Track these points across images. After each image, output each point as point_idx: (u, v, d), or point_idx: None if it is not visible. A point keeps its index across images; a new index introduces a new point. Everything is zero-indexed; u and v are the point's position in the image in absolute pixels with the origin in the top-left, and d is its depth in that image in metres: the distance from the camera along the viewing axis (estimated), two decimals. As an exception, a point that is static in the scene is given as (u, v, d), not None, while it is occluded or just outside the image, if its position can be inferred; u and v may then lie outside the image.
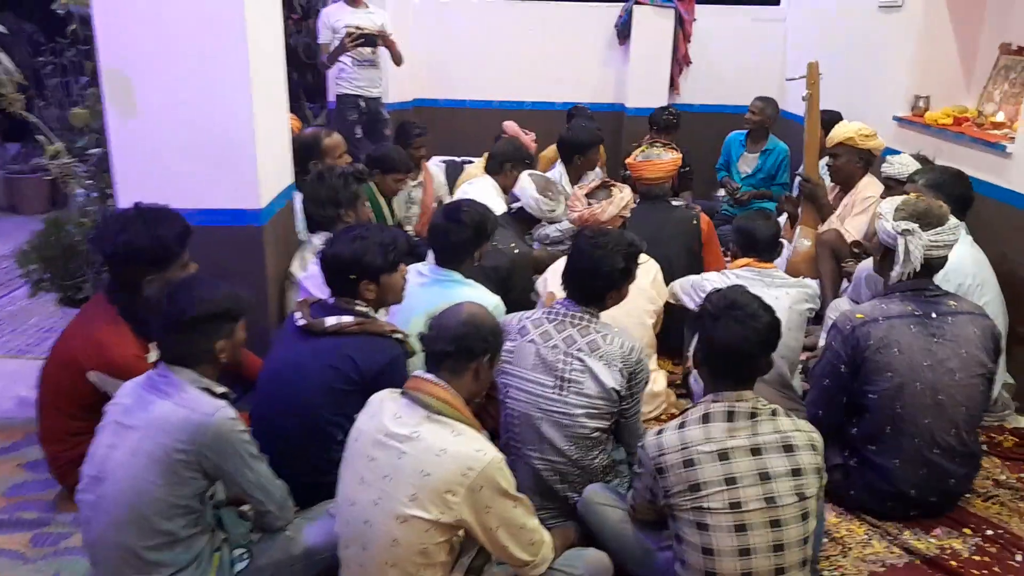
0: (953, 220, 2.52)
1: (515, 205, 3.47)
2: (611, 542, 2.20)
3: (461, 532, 1.86)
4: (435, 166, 5.22)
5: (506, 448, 2.42)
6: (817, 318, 3.51)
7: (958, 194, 2.98)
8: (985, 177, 3.60)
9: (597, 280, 2.40)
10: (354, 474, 1.89)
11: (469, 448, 1.81)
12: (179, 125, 2.74)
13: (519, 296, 3.26)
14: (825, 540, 2.46)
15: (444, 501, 1.77)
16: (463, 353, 1.93)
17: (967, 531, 2.54)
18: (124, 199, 2.78)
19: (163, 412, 1.89)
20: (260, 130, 2.83)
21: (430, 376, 1.92)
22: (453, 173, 5.44)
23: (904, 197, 2.59)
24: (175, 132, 2.74)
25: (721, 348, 1.97)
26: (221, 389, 1.99)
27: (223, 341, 2.01)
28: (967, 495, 2.68)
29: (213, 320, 1.98)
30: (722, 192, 5.51)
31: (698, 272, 3.43)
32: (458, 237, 2.77)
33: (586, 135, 4.39)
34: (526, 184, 3.44)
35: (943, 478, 2.51)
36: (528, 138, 4.89)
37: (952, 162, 3.73)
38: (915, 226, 2.46)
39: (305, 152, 3.61)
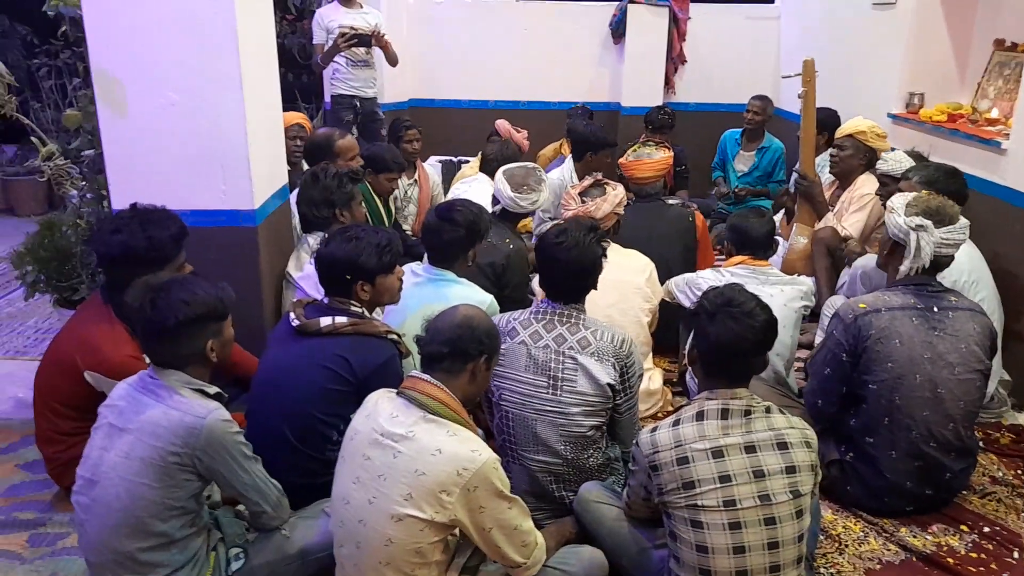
0: (963, 220, 2.52)
1: (496, 208, 3.46)
2: (606, 539, 2.20)
3: (456, 531, 1.86)
4: (431, 166, 5.23)
5: (501, 450, 2.43)
6: (813, 315, 3.51)
7: (952, 191, 2.97)
8: (980, 174, 3.61)
9: (585, 278, 2.40)
10: (349, 473, 1.89)
11: (464, 448, 1.81)
12: (171, 126, 2.73)
13: (515, 292, 3.26)
14: (822, 537, 2.46)
15: (439, 501, 1.77)
16: (458, 355, 1.93)
17: (964, 528, 2.54)
18: (118, 200, 2.78)
19: (156, 415, 1.88)
20: (253, 130, 2.83)
21: (426, 376, 1.92)
22: (449, 173, 5.46)
23: (915, 194, 2.60)
24: (167, 133, 2.74)
25: (717, 346, 1.96)
26: (214, 390, 1.99)
27: (212, 341, 2.00)
28: (964, 492, 2.69)
29: (198, 323, 1.96)
30: (718, 190, 5.51)
31: (694, 270, 3.43)
32: (451, 236, 2.76)
33: (601, 134, 4.39)
34: (501, 185, 3.43)
35: (939, 472, 2.52)
36: (520, 136, 4.87)
37: (947, 159, 3.73)
38: (928, 223, 2.47)
39: (317, 153, 3.61)
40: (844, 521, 2.57)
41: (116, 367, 2.28)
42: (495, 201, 3.51)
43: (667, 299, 3.22)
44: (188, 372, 1.98)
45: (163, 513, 1.88)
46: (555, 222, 3.99)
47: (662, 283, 3.23)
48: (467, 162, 5.33)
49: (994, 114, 3.87)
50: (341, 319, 2.33)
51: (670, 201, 3.96)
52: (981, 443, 2.97)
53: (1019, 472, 2.86)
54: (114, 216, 2.44)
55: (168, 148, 2.77)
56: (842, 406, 2.62)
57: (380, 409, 1.90)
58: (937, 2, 4.23)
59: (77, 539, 2.09)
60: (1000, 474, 2.84)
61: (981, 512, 2.63)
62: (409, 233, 4.51)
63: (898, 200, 2.58)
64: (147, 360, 2.29)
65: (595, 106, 6.24)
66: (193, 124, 2.76)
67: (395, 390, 1.95)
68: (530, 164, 3.64)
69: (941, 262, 2.53)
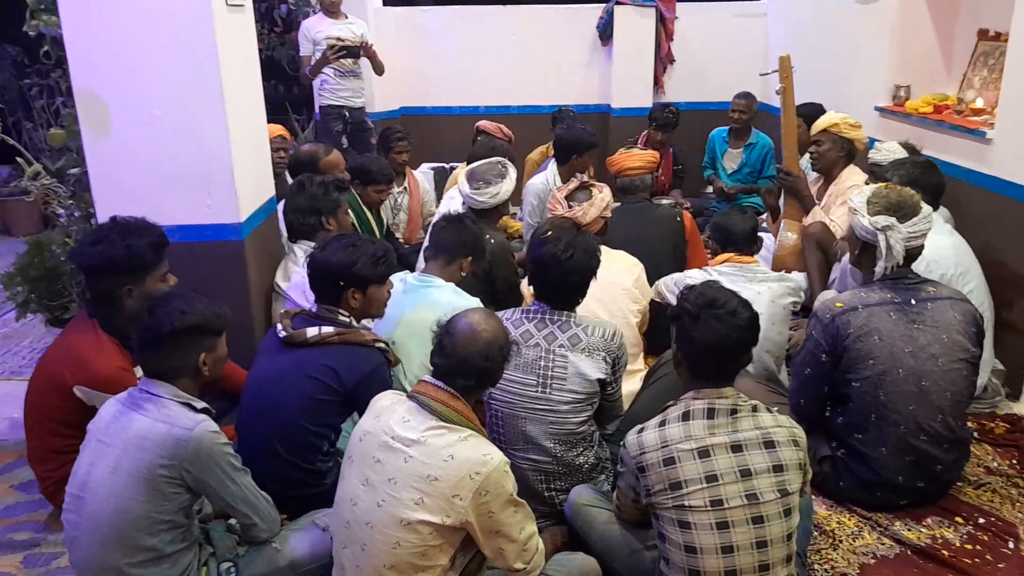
0: (926, 208, 2.53)
1: (464, 206, 3.46)
2: (598, 543, 2.20)
3: (461, 534, 1.86)
4: (422, 173, 5.24)
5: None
6: (805, 311, 3.50)
7: (932, 185, 2.99)
8: (967, 164, 3.61)
9: (587, 285, 2.46)
10: (358, 474, 1.88)
11: (476, 453, 1.82)
12: (154, 142, 2.75)
13: (503, 285, 3.26)
14: (816, 533, 2.46)
15: (451, 504, 1.78)
16: (484, 382, 1.97)
17: (959, 520, 2.53)
18: (104, 218, 2.78)
19: (143, 428, 1.89)
20: (237, 144, 2.84)
21: (440, 383, 1.91)
22: (441, 179, 5.47)
23: (873, 188, 2.59)
24: (150, 150, 2.76)
25: (704, 348, 1.96)
26: (201, 404, 1.99)
27: (205, 355, 2.02)
28: (958, 483, 2.68)
29: (194, 333, 1.98)
30: (711, 189, 5.52)
31: (684, 270, 3.43)
32: (459, 235, 2.84)
33: (585, 136, 4.32)
34: (460, 183, 3.45)
35: (930, 465, 2.51)
36: (507, 130, 4.85)
37: (933, 150, 3.74)
38: (893, 220, 2.46)
39: (302, 169, 3.63)
40: (838, 516, 2.56)
41: (106, 380, 2.28)
42: (463, 202, 3.51)
43: (657, 300, 3.22)
44: (178, 385, 1.99)
45: (152, 527, 1.88)
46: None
47: (651, 284, 3.23)
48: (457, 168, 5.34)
49: (979, 104, 3.87)
50: (328, 329, 2.33)
51: (659, 201, 3.95)
52: (976, 434, 2.97)
53: (1014, 462, 2.85)
54: (95, 228, 2.46)
55: (152, 164, 2.78)
56: (828, 405, 2.60)
57: (391, 411, 1.90)
58: (920, -7, 4.24)
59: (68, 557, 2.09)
60: (995, 464, 2.83)
61: (976, 503, 2.62)
62: (401, 241, 4.52)
63: (858, 200, 2.56)
64: (137, 373, 2.31)
65: (585, 108, 6.26)
66: (177, 139, 2.77)
67: (406, 393, 1.96)
68: (495, 159, 3.61)
69: (912, 254, 2.52)
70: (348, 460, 1.94)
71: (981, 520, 2.53)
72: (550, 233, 2.45)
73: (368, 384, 2.26)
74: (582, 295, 2.48)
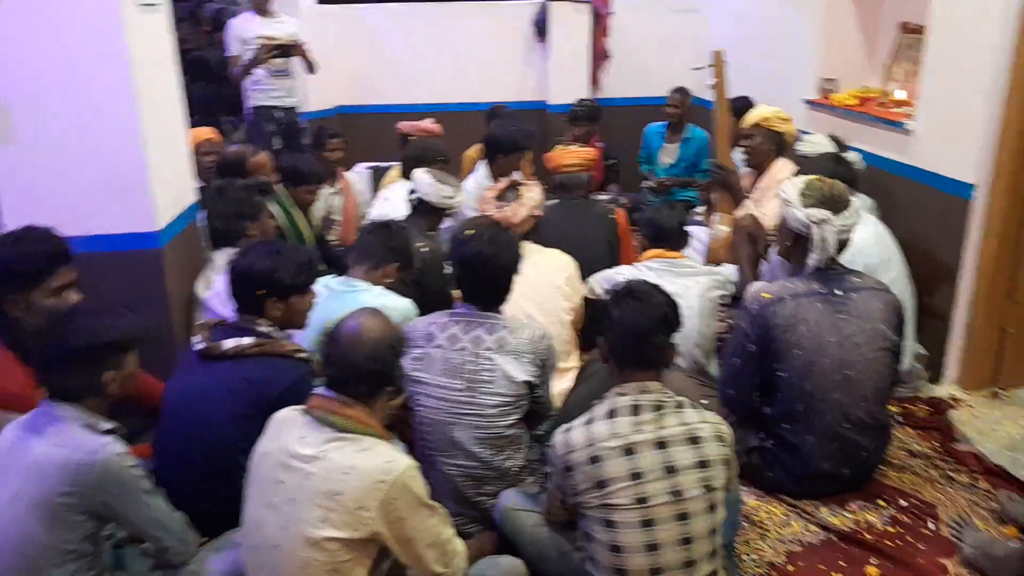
0: (855, 201, 2.58)
1: (413, 196, 3.41)
2: (528, 546, 2.19)
3: (376, 545, 1.82)
4: (357, 173, 5.15)
5: (420, 456, 2.40)
6: (737, 302, 3.54)
7: (846, 179, 3.04)
8: (890, 155, 3.69)
9: (510, 282, 2.44)
10: (260, 497, 1.83)
11: (378, 461, 1.77)
12: (61, 148, 2.63)
13: (436, 297, 3.21)
14: (744, 524, 2.48)
15: (357, 518, 1.73)
16: (378, 386, 1.88)
17: (882, 503, 2.59)
18: (11, 227, 2.67)
19: (41, 454, 1.80)
20: (152, 149, 2.74)
21: (331, 393, 1.85)
22: (379, 179, 5.38)
23: (805, 180, 2.61)
24: (58, 156, 2.64)
25: (622, 327, 1.99)
26: (107, 425, 1.91)
27: (111, 373, 1.93)
28: (881, 466, 2.74)
29: (98, 351, 1.89)
30: (647, 184, 5.55)
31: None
32: (383, 239, 2.77)
33: (515, 136, 4.17)
34: (421, 175, 3.41)
35: (855, 451, 2.56)
36: (427, 123, 4.80)
37: (858, 141, 3.81)
38: (828, 214, 2.48)
39: (230, 171, 3.52)
40: (767, 506, 2.59)
41: (8, 397, 2.16)
42: (411, 192, 3.45)
43: (590, 296, 3.22)
44: (85, 405, 1.90)
45: (56, 558, 1.80)
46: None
47: (589, 280, 3.23)
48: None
49: (901, 96, 3.96)
50: (246, 340, 2.26)
51: (595, 197, 3.96)
52: (899, 417, 3.06)
53: (935, 444, 2.93)
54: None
55: (60, 171, 2.66)
56: (758, 397, 2.63)
57: (288, 429, 1.84)
58: (844, -12, 4.32)
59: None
60: (917, 447, 2.91)
61: (898, 486, 2.68)
62: (336, 243, 4.44)
63: (790, 190, 2.58)
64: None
65: (522, 105, 6.23)
66: (86, 146, 2.66)
67: (301, 408, 1.90)
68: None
69: (842, 246, 2.57)
70: (250, 484, 1.88)
71: (903, 502, 2.59)
72: (471, 232, 2.42)
73: (290, 396, 2.17)
74: (509, 291, 2.46)
